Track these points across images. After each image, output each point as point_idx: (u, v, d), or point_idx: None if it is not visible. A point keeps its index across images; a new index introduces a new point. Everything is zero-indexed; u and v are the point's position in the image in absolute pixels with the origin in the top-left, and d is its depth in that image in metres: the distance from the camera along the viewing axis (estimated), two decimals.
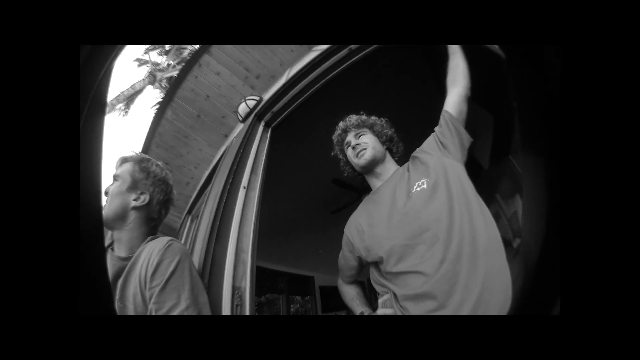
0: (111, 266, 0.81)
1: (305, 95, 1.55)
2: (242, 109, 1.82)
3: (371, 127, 1.15)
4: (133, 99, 10.45)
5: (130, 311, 0.75)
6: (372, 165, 1.10)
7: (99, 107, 0.48)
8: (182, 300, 0.71)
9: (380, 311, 0.97)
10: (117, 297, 0.77)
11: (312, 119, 2.06)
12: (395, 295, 0.90)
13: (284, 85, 1.56)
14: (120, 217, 0.85)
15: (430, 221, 0.86)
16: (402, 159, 1.18)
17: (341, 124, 1.18)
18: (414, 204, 0.92)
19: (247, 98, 1.88)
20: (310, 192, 3.57)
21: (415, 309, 0.81)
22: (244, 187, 1.08)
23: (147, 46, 10.50)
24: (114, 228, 0.85)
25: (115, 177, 0.88)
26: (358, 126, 1.14)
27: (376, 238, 0.97)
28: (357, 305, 1.14)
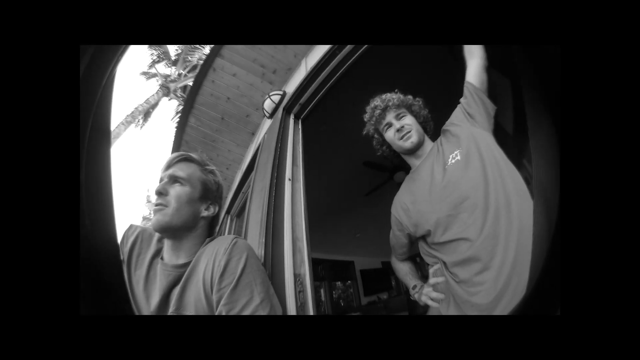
0: (164, 276, 0.77)
1: (330, 83, 1.54)
2: (268, 104, 1.84)
3: (409, 108, 1.15)
4: (149, 112, 10.69)
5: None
6: (417, 147, 1.12)
7: (104, 114, 0.47)
8: (255, 295, 0.70)
9: (432, 280, 1.03)
10: (173, 307, 0.72)
11: (339, 105, 2.06)
12: (444, 263, 0.97)
13: (306, 77, 1.56)
14: (190, 226, 0.81)
15: (468, 190, 0.91)
16: (433, 137, 1.19)
17: (379, 102, 1.16)
18: (451, 176, 0.96)
19: (271, 94, 1.90)
20: (342, 177, 3.58)
21: (464, 273, 0.87)
22: (289, 179, 1.11)
23: (152, 59, 10.64)
24: (176, 236, 0.80)
25: (180, 180, 0.82)
26: (399, 106, 1.14)
27: (422, 214, 1.02)
28: (410, 279, 1.19)
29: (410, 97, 1.18)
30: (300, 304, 0.91)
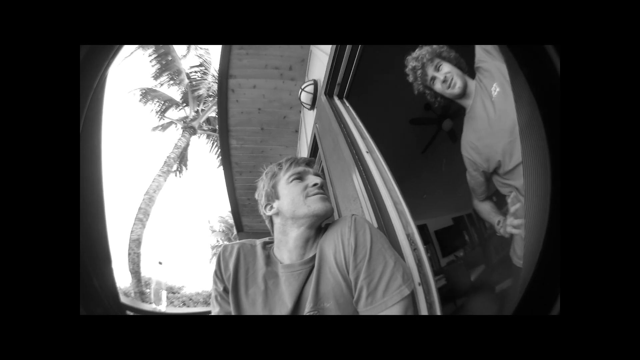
0: (294, 278, 0.75)
1: (357, 56, 1.54)
2: (305, 97, 1.88)
3: (441, 56, 1.20)
4: (183, 155, 11.21)
5: (331, 310, 0.71)
6: (465, 89, 1.17)
7: (96, 117, 0.47)
8: (388, 258, 0.71)
9: (512, 209, 1.06)
10: (310, 305, 0.71)
11: (373, 74, 2.04)
12: (517, 189, 1.01)
13: (333, 58, 1.57)
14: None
15: (513, 115, 0.95)
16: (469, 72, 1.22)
17: (415, 63, 1.23)
18: (500, 106, 1.01)
19: (303, 87, 1.93)
20: (393, 142, 3.55)
21: None
22: (367, 152, 1.13)
23: (159, 109, 10.93)
24: (316, 226, 0.81)
25: (319, 173, 0.86)
26: (432, 59, 1.20)
27: (489, 147, 1.09)
28: (494, 216, 1.23)
29: (435, 45, 1.23)
30: (418, 260, 0.94)
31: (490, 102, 1.06)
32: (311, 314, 0.70)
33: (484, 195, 1.29)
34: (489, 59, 1.06)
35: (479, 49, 1.10)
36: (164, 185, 9.50)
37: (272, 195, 0.83)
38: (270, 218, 0.84)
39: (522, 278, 0.50)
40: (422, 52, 1.22)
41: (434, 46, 1.21)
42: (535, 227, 0.47)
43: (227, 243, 0.89)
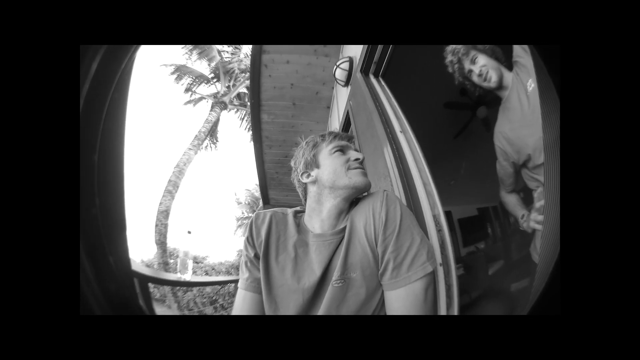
0: (325, 247, 0.77)
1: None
2: (340, 74, 1.88)
3: (476, 48, 1.23)
4: (214, 130, 11.38)
5: (357, 281, 0.73)
6: (501, 82, 1.19)
7: (121, 100, 0.48)
8: (416, 235, 0.73)
9: (538, 204, 1.06)
10: (337, 274, 0.73)
11: (411, 54, 1.99)
12: (544, 184, 1.00)
13: None
14: None
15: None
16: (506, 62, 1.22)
17: (452, 57, 1.29)
18: (534, 100, 1.01)
19: (338, 63, 1.92)
20: (427, 124, 3.48)
21: None
22: (400, 132, 1.14)
23: (189, 86, 11.04)
24: (352, 198, 0.83)
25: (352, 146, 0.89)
26: (467, 52, 1.24)
27: (521, 138, 1.10)
28: (519, 210, 1.24)
29: None
30: (442, 241, 0.96)
31: (525, 96, 1.07)
32: (338, 282, 0.73)
33: (512, 187, 1.29)
34: (526, 55, 1.06)
35: (518, 46, 1.09)
36: (194, 159, 9.73)
37: (312, 164, 0.84)
38: (305, 186, 0.86)
39: (538, 278, 0.50)
40: (457, 46, 1.26)
41: None
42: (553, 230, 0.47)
43: (260, 211, 0.87)
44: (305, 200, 0.87)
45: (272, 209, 0.87)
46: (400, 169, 1.01)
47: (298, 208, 0.90)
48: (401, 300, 0.69)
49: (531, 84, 1.04)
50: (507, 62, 1.23)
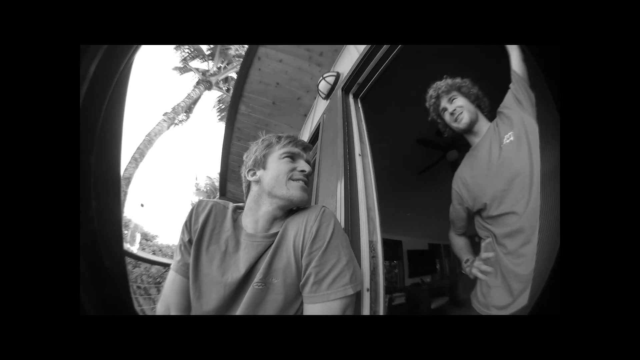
0: (253, 247, 0.79)
1: (386, 63, 1.55)
2: (323, 86, 1.90)
3: (459, 90, 1.26)
4: (192, 108, 11.12)
5: (276, 287, 0.74)
6: (471, 126, 1.23)
7: (119, 102, 0.47)
8: (342, 256, 0.74)
9: (484, 255, 1.12)
10: (260, 276, 0.74)
11: (393, 84, 2.05)
12: (495, 236, 1.07)
13: (363, 57, 1.58)
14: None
15: (519, 168, 1.00)
16: (489, 113, 1.28)
17: (432, 92, 1.31)
18: (507, 154, 1.06)
19: (325, 76, 1.94)
20: (396, 155, 3.56)
21: (511, 244, 0.98)
22: (359, 155, 1.16)
23: (184, 56, 10.85)
24: (288, 208, 0.84)
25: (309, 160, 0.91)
26: (448, 91, 1.26)
27: (480, 187, 1.14)
28: (464, 253, 1.31)
29: (458, 79, 1.29)
30: (373, 267, 0.97)
31: (498, 147, 1.10)
32: (259, 285, 0.74)
33: (462, 231, 1.37)
34: (517, 108, 1.10)
35: (510, 96, 1.14)
36: (165, 131, 9.45)
37: (260, 163, 0.85)
38: (249, 184, 0.87)
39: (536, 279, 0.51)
40: (441, 83, 1.29)
41: (457, 80, 1.28)
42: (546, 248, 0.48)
43: (203, 199, 0.91)
44: (246, 197, 0.88)
45: (216, 200, 0.87)
46: (348, 190, 1.03)
47: (240, 204, 0.90)
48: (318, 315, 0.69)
49: (510, 137, 1.07)
50: (491, 111, 1.28)
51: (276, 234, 0.80)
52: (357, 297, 0.79)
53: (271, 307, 0.73)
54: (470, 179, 1.20)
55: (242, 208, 0.88)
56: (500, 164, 1.07)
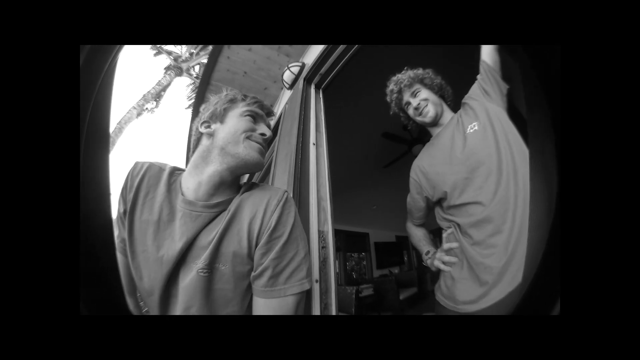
0: (191, 218, 0.68)
1: (349, 54, 1.55)
2: (287, 76, 1.87)
3: (422, 82, 1.22)
4: (161, 95, 10.70)
5: (224, 275, 0.66)
6: (437, 119, 1.20)
7: (104, 108, 0.47)
8: (301, 248, 0.70)
9: (446, 245, 1.09)
10: (205, 262, 0.64)
11: (358, 76, 2.06)
12: (459, 226, 1.04)
13: (326, 47, 1.57)
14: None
15: (484, 157, 0.98)
16: (452, 102, 1.27)
17: (393, 87, 1.25)
18: (470, 143, 1.04)
19: (290, 65, 1.91)
20: (361, 148, 3.57)
21: (478, 234, 0.95)
22: (314, 144, 1.16)
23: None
24: (238, 174, 0.76)
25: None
26: (410, 85, 1.22)
27: (440, 175, 1.11)
28: (424, 245, 1.27)
29: (420, 70, 1.24)
30: (323, 259, 0.97)
31: (462, 136, 1.08)
32: (204, 272, 0.64)
33: (420, 221, 1.34)
34: (483, 98, 1.08)
35: (477, 87, 1.12)
36: (134, 119, 9.06)
37: (218, 117, 0.77)
38: (200, 137, 0.77)
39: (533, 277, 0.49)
40: (403, 76, 1.24)
41: (418, 71, 1.23)
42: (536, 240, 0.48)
43: (139, 161, 0.75)
44: (192, 153, 0.77)
45: (152, 161, 0.77)
46: (297, 178, 1.02)
47: (178, 166, 0.79)
48: (272, 311, 0.63)
49: (474, 127, 1.04)
50: (454, 102, 1.25)
51: (218, 204, 0.70)
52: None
53: (219, 298, 0.65)
54: (429, 167, 1.17)
55: (180, 170, 0.77)
56: (463, 152, 1.05)
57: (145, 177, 0.72)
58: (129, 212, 0.69)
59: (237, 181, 0.78)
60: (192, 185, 0.71)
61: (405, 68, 1.27)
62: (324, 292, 0.88)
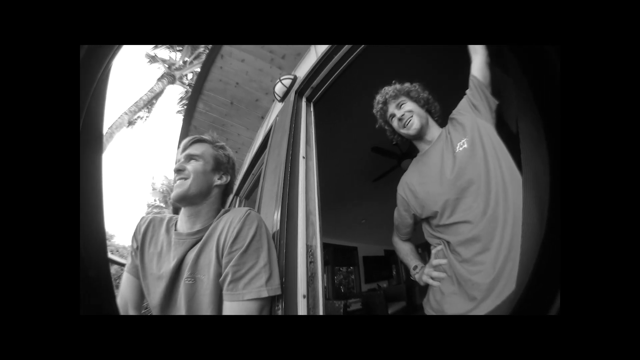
0: (179, 244, 0.87)
1: (341, 68, 1.57)
2: (279, 88, 1.88)
3: (408, 94, 1.21)
4: (153, 102, 10.66)
5: (204, 283, 0.80)
6: (422, 132, 1.18)
7: (98, 109, 0.48)
8: (261, 259, 0.79)
9: (435, 262, 1.08)
10: (188, 272, 0.81)
11: (349, 90, 2.08)
12: (448, 243, 1.03)
13: (318, 61, 1.59)
14: (205, 193, 0.92)
15: (474, 176, 0.98)
16: (440, 118, 1.26)
17: (379, 97, 1.25)
18: (460, 162, 1.03)
19: (282, 78, 1.92)
20: (350, 162, 3.60)
21: (466, 252, 0.95)
22: (303, 157, 1.15)
23: (152, 47, 10.54)
24: (193, 203, 0.90)
25: (195, 157, 0.93)
26: (396, 96, 1.21)
27: (430, 195, 1.09)
28: (412, 260, 1.25)
29: (407, 84, 1.24)
30: (311, 274, 0.95)
31: (451, 155, 1.07)
32: (189, 280, 0.81)
33: (407, 237, 1.32)
34: (473, 114, 1.07)
35: (465, 102, 1.11)
36: (125, 125, 8.97)
37: None
38: None
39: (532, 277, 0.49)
40: (388, 88, 1.23)
41: (405, 84, 1.23)
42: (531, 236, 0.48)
43: (145, 215, 1.00)
44: None
45: (154, 214, 1.01)
46: (286, 192, 1.01)
47: (175, 215, 1.00)
48: (234, 313, 0.74)
49: (463, 144, 1.03)
50: (441, 118, 1.23)
51: (198, 231, 0.88)
52: (291, 304, 0.80)
53: (203, 302, 0.79)
54: (419, 186, 1.15)
55: (176, 217, 0.98)
56: (454, 172, 1.04)
57: (150, 225, 0.95)
58: (140, 249, 0.91)
59: (212, 212, 0.94)
60: (179, 223, 0.93)
61: (393, 81, 1.27)
62: (312, 307, 0.86)
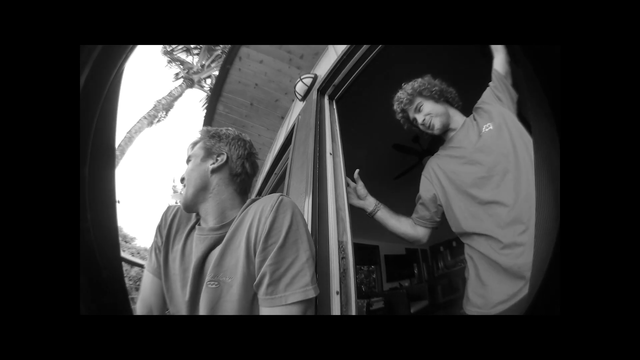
0: (200, 241, 0.76)
1: (363, 65, 1.56)
2: (300, 87, 1.89)
3: (421, 95, 1.23)
4: (172, 105, 10.93)
5: (231, 287, 0.68)
6: (445, 127, 1.24)
7: (111, 110, 0.47)
8: (302, 252, 0.67)
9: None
10: (210, 275, 0.69)
11: (371, 87, 2.07)
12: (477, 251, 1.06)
13: (340, 58, 1.58)
14: (202, 188, 0.81)
15: (499, 155, 1.03)
16: (458, 103, 1.30)
17: (396, 107, 1.30)
18: (485, 142, 1.09)
19: (302, 77, 1.94)
20: (372, 159, 3.57)
21: (507, 237, 0.96)
22: (330, 154, 1.15)
23: (169, 51, 10.77)
24: (199, 202, 0.81)
25: (189, 159, 0.86)
26: (411, 102, 1.24)
27: (457, 174, 1.16)
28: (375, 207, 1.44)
29: (416, 82, 1.25)
30: (343, 270, 0.95)
31: (477, 136, 1.13)
32: (212, 284, 0.68)
33: (421, 223, 1.37)
34: (497, 104, 1.13)
35: (490, 92, 1.17)
36: (145, 129, 9.23)
37: None
38: None
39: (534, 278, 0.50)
40: (402, 94, 1.26)
41: (415, 84, 1.25)
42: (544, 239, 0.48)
43: (171, 205, 0.89)
44: None
45: None
46: (316, 188, 1.01)
47: None
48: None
49: (489, 126, 1.09)
50: (461, 102, 1.29)
51: (223, 226, 0.77)
52: (325, 301, 0.75)
53: (228, 310, 0.67)
54: (448, 165, 1.21)
55: None
56: (479, 149, 1.10)
57: (176, 217, 0.85)
58: (164, 245, 0.81)
59: (233, 201, 0.83)
60: (202, 219, 0.83)
61: (402, 85, 1.30)
62: (345, 304, 0.85)
